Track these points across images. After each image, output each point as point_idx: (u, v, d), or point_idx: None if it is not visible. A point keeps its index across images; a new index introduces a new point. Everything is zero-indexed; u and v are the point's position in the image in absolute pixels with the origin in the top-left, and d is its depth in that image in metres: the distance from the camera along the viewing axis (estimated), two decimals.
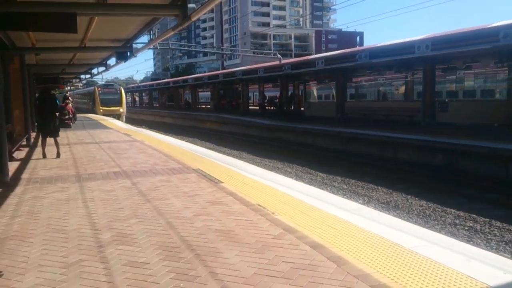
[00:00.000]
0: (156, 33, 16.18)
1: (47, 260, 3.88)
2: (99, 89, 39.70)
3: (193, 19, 7.65)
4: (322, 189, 9.91)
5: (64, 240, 4.42)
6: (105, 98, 38.59)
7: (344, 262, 3.65)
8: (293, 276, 3.41)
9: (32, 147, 13.44)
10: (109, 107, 37.85)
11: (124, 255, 3.94)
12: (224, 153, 16.16)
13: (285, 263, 3.68)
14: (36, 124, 13.03)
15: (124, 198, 6.22)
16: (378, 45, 19.78)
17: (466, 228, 8.19)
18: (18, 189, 7.08)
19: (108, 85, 42.89)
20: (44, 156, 10.83)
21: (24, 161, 10.45)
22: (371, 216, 5.29)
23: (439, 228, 8.18)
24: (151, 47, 15.28)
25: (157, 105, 61.13)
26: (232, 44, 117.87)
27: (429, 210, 9.45)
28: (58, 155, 10.87)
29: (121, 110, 38.67)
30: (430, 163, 14.25)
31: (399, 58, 18.51)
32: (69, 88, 53.32)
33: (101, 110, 37.40)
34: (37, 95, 17.12)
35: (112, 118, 32.17)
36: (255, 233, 4.52)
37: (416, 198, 10.45)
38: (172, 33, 9.50)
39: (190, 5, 7.71)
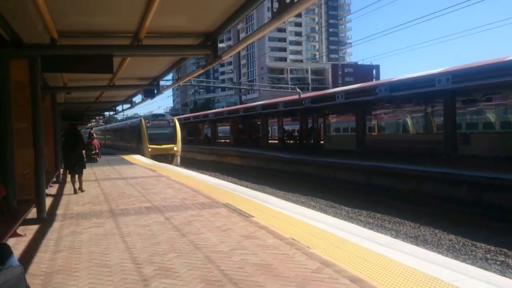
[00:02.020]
0: (180, 71, 16.68)
1: None
2: (146, 121, 30.44)
3: (224, 58, 8.00)
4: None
5: (109, 274, 4.57)
6: (155, 133, 29.60)
7: None
8: None
9: (62, 184, 13.80)
10: (160, 144, 28.99)
11: None
12: (246, 187, 16.27)
13: None
14: (63, 161, 13.50)
15: (160, 233, 6.38)
16: (398, 78, 19.98)
17: (498, 262, 8.08)
18: (56, 225, 7.32)
19: (158, 116, 32.68)
20: (75, 192, 11.20)
21: (57, 197, 10.75)
22: (405, 249, 5.32)
23: (470, 262, 8.07)
24: (179, 84, 15.76)
25: None
26: (250, 78, 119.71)
27: (458, 244, 9.35)
28: (81, 190, 11.43)
29: (175, 148, 29.45)
30: (455, 196, 14.10)
31: (419, 92, 18.63)
32: (91, 124, 54.52)
33: (149, 150, 28.68)
34: (62, 132, 17.67)
35: (139, 156, 27.38)
36: (293, 267, 4.61)
37: (445, 232, 10.35)
38: (202, 71, 9.90)
39: (220, 45, 8.09)
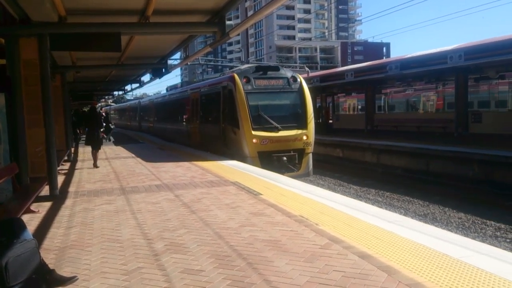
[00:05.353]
0: (188, 49, 16.59)
1: (108, 268, 4.11)
2: (245, 79, 13.68)
3: (231, 35, 7.93)
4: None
5: (121, 249, 4.66)
6: (264, 105, 13.61)
7: (394, 271, 3.74)
8: (346, 284, 3.51)
9: (73, 162, 13.94)
10: (276, 131, 13.29)
11: (179, 263, 4.13)
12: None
13: (336, 272, 3.80)
14: (84, 138, 14.19)
15: (169, 210, 6.46)
16: (409, 55, 19.71)
17: (508, 240, 8.10)
18: (68, 202, 7.43)
19: (266, 69, 14.50)
20: (96, 166, 12.04)
21: (68, 175, 10.88)
22: (414, 226, 5.33)
23: (479, 240, 8.09)
24: (187, 63, 15.66)
25: None
26: (258, 58, 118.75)
27: (468, 222, 9.37)
28: (96, 166, 12.16)
29: (305, 137, 13.55)
30: (465, 175, 14.02)
31: (431, 69, 18.38)
32: (100, 104, 54.60)
33: (253, 141, 13.09)
34: (72, 112, 18.09)
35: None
36: (301, 243, 4.65)
37: (454, 210, 10.36)
38: (209, 49, 9.84)
39: (228, 22, 8.03)
